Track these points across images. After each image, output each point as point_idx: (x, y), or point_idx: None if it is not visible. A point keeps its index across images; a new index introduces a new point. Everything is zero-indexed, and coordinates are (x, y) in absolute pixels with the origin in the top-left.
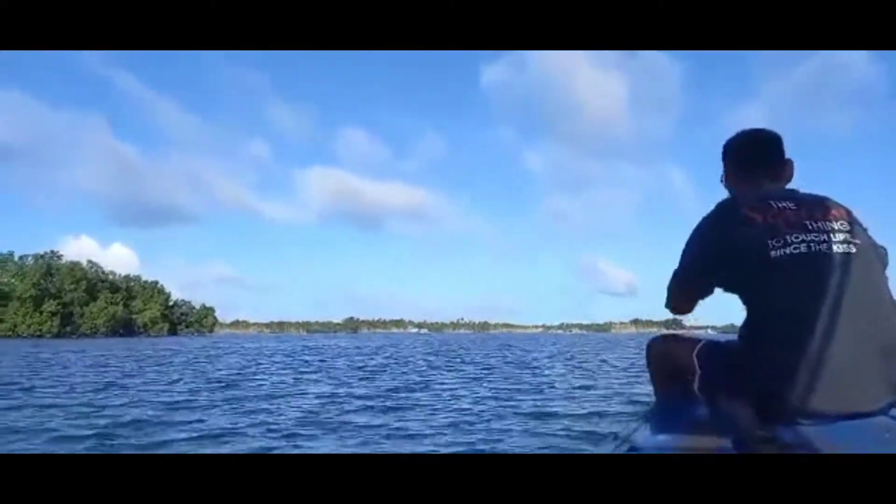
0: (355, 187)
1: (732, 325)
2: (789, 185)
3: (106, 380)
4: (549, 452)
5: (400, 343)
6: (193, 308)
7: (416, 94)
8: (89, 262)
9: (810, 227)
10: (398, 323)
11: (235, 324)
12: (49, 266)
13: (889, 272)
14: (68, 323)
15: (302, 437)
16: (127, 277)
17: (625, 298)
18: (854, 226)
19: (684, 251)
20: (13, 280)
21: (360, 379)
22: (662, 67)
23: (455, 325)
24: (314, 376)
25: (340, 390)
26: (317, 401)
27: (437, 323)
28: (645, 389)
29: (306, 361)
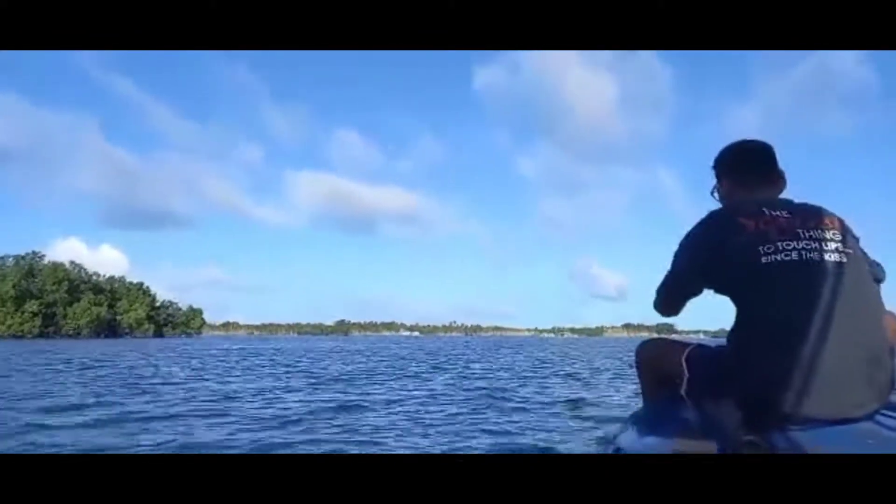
0: (348, 190)
1: (724, 330)
2: (782, 195)
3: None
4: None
5: (384, 349)
6: (180, 309)
7: (408, 97)
8: (72, 262)
9: (802, 234)
10: (390, 325)
11: (226, 325)
12: (31, 266)
13: (890, 282)
14: (50, 324)
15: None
16: (111, 279)
17: (616, 303)
18: (846, 236)
19: (676, 256)
20: None
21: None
22: (655, 68)
23: (447, 329)
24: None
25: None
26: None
27: (428, 326)
28: None
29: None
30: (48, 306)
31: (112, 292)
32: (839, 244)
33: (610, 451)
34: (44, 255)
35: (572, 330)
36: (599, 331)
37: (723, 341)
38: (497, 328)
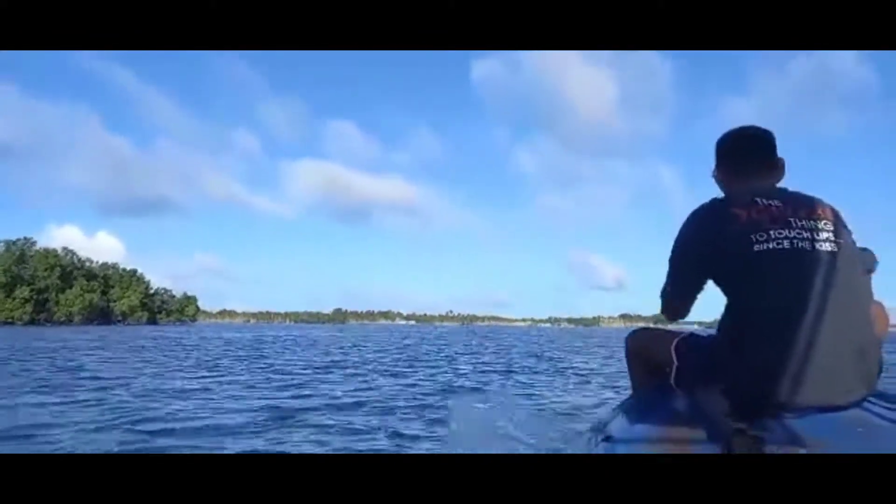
0: (346, 181)
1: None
2: (780, 184)
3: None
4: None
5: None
6: (174, 297)
7: (407, 90)
8: (64, 248)
9: (794, 223)
10: (387, 314)
11: (222, 313)
12: (23, 252)
13: (880, 273)
14: (42, 310)
15: None
16: (105, 265)
17: (613, 293)
18: (838, 226)
19: (673, 256)
20: None
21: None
22: (654, 65)
23: (443, 318)
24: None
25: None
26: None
27: (425, 315)
28: None
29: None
30: (40, 292)
31: (105, 279)
32: (830, 234)
33: (599, 439)
34: (35, 241)
35: (569, 320)
36: (596, 321)
37: (712, 331)
38: (493, 318)
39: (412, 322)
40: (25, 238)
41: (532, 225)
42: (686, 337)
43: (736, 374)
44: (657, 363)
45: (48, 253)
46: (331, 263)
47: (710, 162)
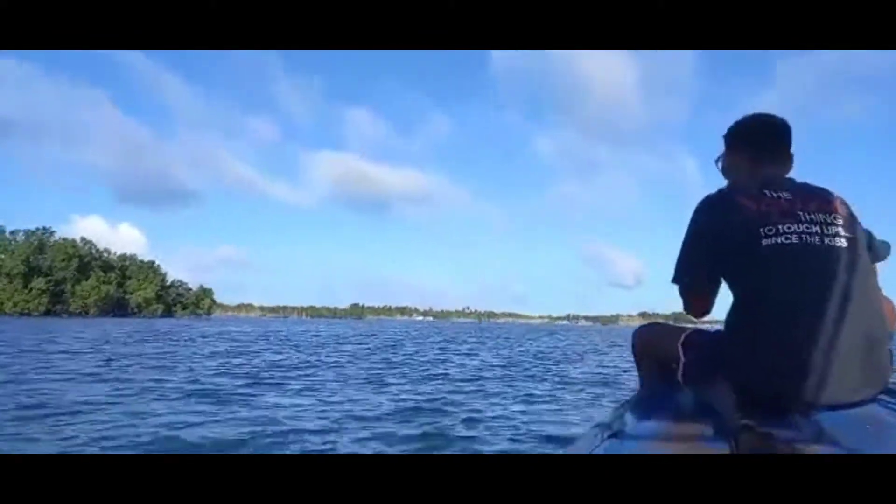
0: (363, 171)
1: None
2: (789, 175)
3: None
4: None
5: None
6: (190, 290)
7: (425, 78)
8: (82, 239)
9: (803, 217)
10: (403, 310)
11: (240, 307)
12: (41, 242)
13: (887, 270)
14: (58, 301)
15: None
16: (123, 256)
17: (632, 290)
18: (848, 219)
19: (684, 252)
20: (2, 256)
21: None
22: (674, 52)
23: (460, 314)
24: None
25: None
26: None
27: (442, 311)
28: None
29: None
30: (56, 283)
31: (122, 270)
32: (840, 228)
33: (606, 435)
34: (54, 231)
35: (587, 318)
36: (614, 319)
37: (720, 327)
38: (510, 314)
39: (429, 318)
40: (45, 228)
41: (550, 217)
42: (693, 333)
43: (744, 370)
44: (664, 359)
45: (66, 243)
46: (348, 257)
47: None
